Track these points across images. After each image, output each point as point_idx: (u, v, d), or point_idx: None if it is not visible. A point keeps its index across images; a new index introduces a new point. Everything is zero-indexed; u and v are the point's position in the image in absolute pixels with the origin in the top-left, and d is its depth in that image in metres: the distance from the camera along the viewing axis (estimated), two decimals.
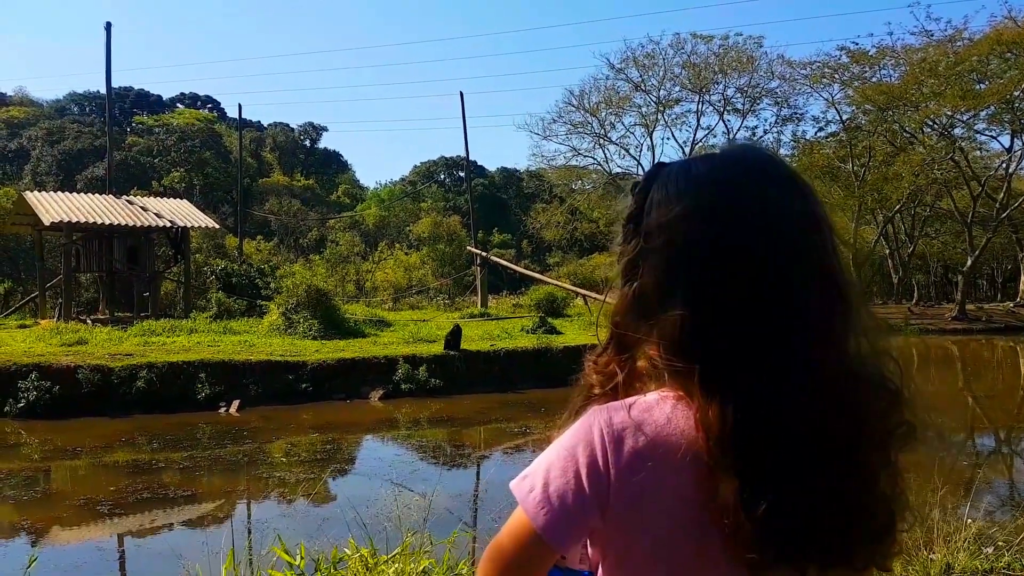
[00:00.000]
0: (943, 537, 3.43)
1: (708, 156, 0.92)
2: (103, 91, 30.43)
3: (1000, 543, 3.49)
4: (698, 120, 37.21)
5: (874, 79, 32.90)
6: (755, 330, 0.81)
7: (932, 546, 3.38)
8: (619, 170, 38.21)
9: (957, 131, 32.17)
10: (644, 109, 37.62)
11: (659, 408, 0.86)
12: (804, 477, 0.79)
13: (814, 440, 0.80)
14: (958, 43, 30.38)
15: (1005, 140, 32.52)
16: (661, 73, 36.19)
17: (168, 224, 19.84)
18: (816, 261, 0.84)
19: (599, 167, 39.48)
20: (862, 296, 0.88)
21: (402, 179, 62.01)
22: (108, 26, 23.73)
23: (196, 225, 20.76)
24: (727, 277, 0.82)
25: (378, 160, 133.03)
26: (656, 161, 0.99)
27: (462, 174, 51.04)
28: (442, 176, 62.23)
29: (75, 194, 21.52)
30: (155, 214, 20.02)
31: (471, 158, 31.34)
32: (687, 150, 37.27)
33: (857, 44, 33.12)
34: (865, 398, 0.83)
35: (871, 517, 0.83)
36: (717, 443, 0.80)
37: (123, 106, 57.88)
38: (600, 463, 0.84)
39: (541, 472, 0.88)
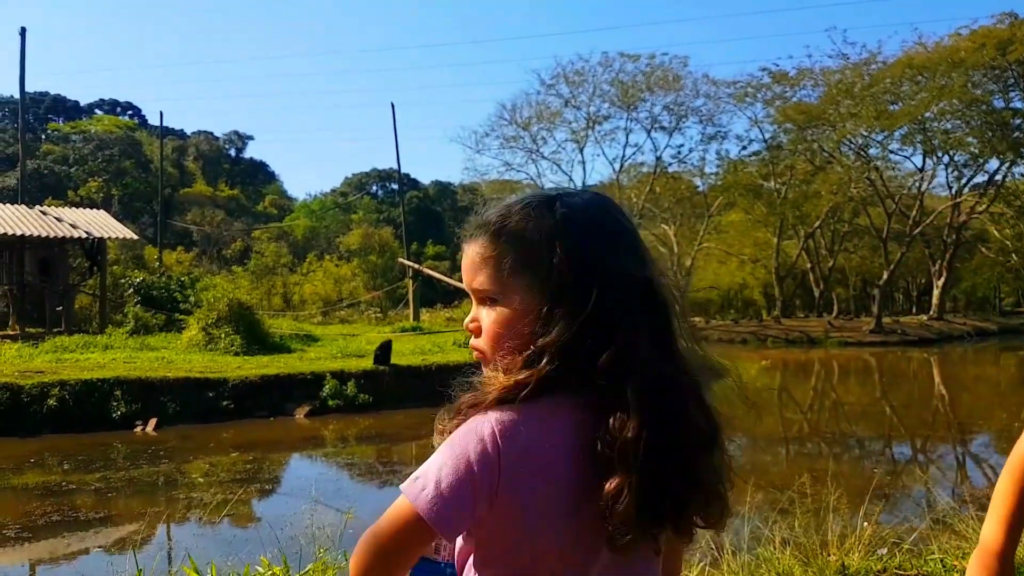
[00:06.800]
0: (838, 540, 3.61)
1: (575, 194, 1.07)
2: (16, 96, 29.20)
3: (891, 543, 3.69)
4: (627, 137, 37.96)
5: (794, 99, 34.19)
6: (609, 344, 0.97)
7: (828, 548, 3.54)
8: (552, 185, 38.51)
9: (872, 151, 33.65)
10: (574, 125, 38.18)
11: (541, 408, 0.98)
12: (666, 468, 0.94)
13: (677, 436, 0.96)
14: (872, 66, 31.86)
15: (918, 160, 34.22)
16: (591, 90, 36.86)
17: (83, 235, 19.09)
18: (639, 289, 1.00)
19: (532, 182, 39.85)
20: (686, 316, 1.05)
21: (333, 191, 61.21)
22: (23, 31, 22.92)
23: (113, 236, 20.01)
24: (577, 301, 0.98)
25: (307, 171, 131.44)
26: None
27: (395, 186, 50.75)
28: (375, 188, 61.73)
29: None
30: (70, 224, 19.26)
31: (404, 170, 31.21)
32: (616, 167, 37.97)
33: (778, 65, 34.45)
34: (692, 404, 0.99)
35: (704, 491, 0.99)
36: (607, 445, 0.93)
37: (38, 112, 55.65)
38: (492, 456, 0.93)
39: (434, 470, 0.95)
